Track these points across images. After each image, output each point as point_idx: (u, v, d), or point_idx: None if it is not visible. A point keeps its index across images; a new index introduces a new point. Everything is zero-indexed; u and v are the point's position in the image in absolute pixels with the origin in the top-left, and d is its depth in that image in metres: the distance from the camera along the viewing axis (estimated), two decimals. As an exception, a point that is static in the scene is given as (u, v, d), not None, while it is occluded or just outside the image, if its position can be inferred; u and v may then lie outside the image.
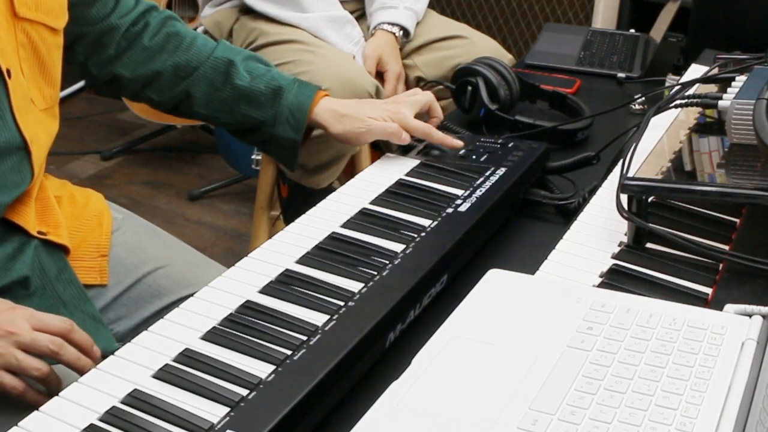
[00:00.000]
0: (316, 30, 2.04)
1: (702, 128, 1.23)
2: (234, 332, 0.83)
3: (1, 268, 1.06)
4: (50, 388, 0.92)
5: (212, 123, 1.35)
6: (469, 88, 1.43)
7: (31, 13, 1.09)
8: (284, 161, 1.31)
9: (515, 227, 1.15)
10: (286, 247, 0.98)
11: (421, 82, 2.11)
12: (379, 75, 2.07)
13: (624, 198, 1.02)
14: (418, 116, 1.27)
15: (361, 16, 2.20)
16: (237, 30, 2.09)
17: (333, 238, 1.00)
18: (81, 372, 0.89)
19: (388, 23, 2.08)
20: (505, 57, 2.12)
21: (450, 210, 1.06)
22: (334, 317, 0.85)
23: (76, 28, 1.21)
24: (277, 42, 2.01)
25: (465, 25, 2.22)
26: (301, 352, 0.80)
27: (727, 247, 1.01)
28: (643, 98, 1.51)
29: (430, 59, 2.13)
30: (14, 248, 1.09)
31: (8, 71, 1.05)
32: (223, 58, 1.28)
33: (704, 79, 1.32)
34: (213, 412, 0.74)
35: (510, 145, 1.23)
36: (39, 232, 1.11)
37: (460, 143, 1.23)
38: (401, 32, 2.10)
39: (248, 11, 2.08)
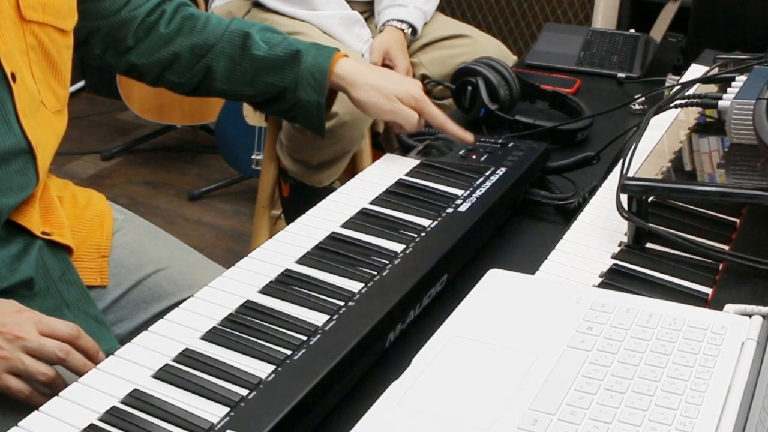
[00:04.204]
0: (326, 27, 2.05)
1: (702, 128, 1.22)
2: (234, 332, 0.83)
3: (7, 269, 1.06)
4: (56, 392, 0.92)
5: (234, 98, 1.35)
6: (469, 88, 1.43)
7: (39, 15, 1.09)
8: (312, 127, 1.31)
9: (515, 227, 1.15)
10: (286, 247, 0.98)
11: (425, 80, 2.12)
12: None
13: (624, 198, 1.02)
14: None
15: (369, 18, 2.21)
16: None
17: (333, 238, 1.00)
18: None
19: (397, 20, 2.09)
20: (509, 57, 2.12)
21: (450, 210, 1.06)
22: (334, 317, 0.85)
23: (89, 22, 1.22)
24: (288, 33, 2.02)
25: (469, 26, 2.23)
26: (301, 352, 0.80)
27: (727, 247, 1.01)
28: (643, 98, 1.51)
29: (435, 57, 2.14)
30: (19, 249, 1.09)
31: (13, 75, 1.05)
32: (239, 31, 1.29)
33: (704, 79, 1.32)
34: (213, 412, 0.74)
35: (510, 145, 1.23)
36: (43, 233, 1.11)
37: (471, 137, 1.24)
38: (409, 30, 2.10)
39: (260, 3, 2.10)
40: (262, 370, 0.78)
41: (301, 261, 0.95)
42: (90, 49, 1.26)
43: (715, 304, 0.89)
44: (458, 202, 1.07)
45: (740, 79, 1.23)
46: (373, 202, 1.08)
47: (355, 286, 0.90)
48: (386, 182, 1.13)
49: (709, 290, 0.94)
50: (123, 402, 0.75)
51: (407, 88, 1.26)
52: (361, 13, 2.14)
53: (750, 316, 0.83)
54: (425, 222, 1.03)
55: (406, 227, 1.02)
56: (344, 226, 1.02)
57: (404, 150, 1.27)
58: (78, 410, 0.74)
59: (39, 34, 1.09)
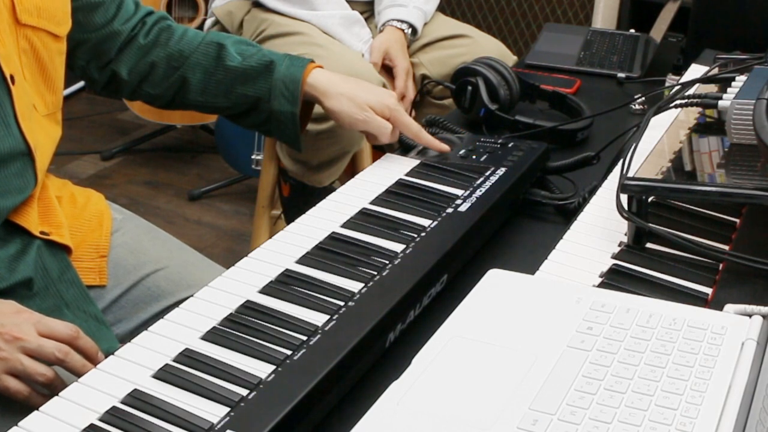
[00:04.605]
0: (326, 27, 2.05)
1: (702, 128, 1.22)
2: (234, 332, 0.83)
3: (6, 270, 1.06)
4: (55, 392, 0.92)
5: (209, 111, 1.35)
6: (469, 88, 1.43)
7: (33, 19, 1.09)
8: (288, 140, 1.31)
9: (515, 227, 1.14)
10: (286, 247, 0.98)
11: (425, 80, 2.12)
12: (385, 70, 2.08)
13: (624, 198, 1.02)
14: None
15: (369, 18, 2.21)
16: (248, 21, 2.11)
17: (333, 238, 1.00)
18: None
19: (397, 20, 2.09)
20: (509, 57, 2.12)
21: (450, 210, 1.06)
22: (334, 317, 0.85)
23: (78, 34, 1.22)
24: (287, 33, 2.02)
25: (469, 26, 2.23)
26: (301, 352, 0.80)
27: (727, 247, 1.01)
28: (643, 98, 1.51)
29: (435, 57, 2.14)
30: (17, 249, 1.09)
31: (12, 77, 1.05)
32: (214, 42, 1.30)
33: (704, 79, 1.32)
34: (213, 412, 0.74)
35: (510, 145, 1.23)
36: (41, 233, 1.11)
37: (447, 148, 1.23)
38: (410, 30, 2.10)
39: (260, 3, 2.10)
40: (262, 370, 0.78)
41: (301, 261, 0.95)
42: (75, 60, 1.26)
43: (715, 304, 0.89)
44: (458, 202, 1.07)
45: (740, 79, 1.23)
46: (373, 202, 1.08)
47: (355, 286, 0.90)
48: (386, 182, 1.13)
49: (709, 290, 0.94)
50: (123, 402, 0.75)
51: (381, 98, 1.25)
52: (361, 13, 2.14)
53: (750, 316, 0.83)
54: (425, 222, 1.03)
55: (406, 227, 1.02)
56: (344, 226, 1.02)
57: (404, 150, 1.27)
58: (78, 410, 0.74)
59: (32, 38, 1.09)
